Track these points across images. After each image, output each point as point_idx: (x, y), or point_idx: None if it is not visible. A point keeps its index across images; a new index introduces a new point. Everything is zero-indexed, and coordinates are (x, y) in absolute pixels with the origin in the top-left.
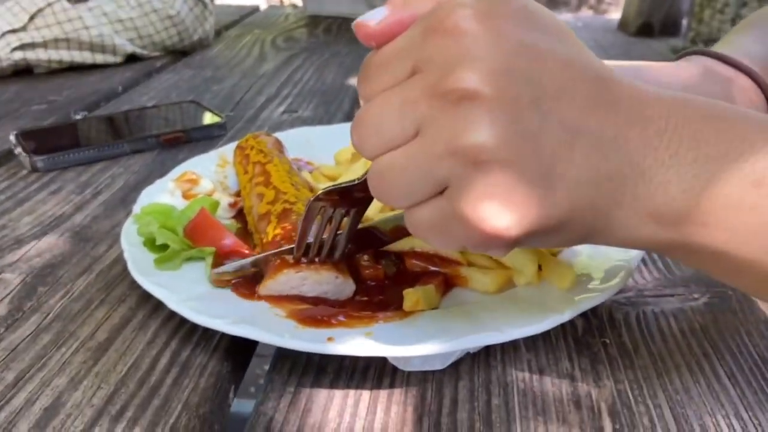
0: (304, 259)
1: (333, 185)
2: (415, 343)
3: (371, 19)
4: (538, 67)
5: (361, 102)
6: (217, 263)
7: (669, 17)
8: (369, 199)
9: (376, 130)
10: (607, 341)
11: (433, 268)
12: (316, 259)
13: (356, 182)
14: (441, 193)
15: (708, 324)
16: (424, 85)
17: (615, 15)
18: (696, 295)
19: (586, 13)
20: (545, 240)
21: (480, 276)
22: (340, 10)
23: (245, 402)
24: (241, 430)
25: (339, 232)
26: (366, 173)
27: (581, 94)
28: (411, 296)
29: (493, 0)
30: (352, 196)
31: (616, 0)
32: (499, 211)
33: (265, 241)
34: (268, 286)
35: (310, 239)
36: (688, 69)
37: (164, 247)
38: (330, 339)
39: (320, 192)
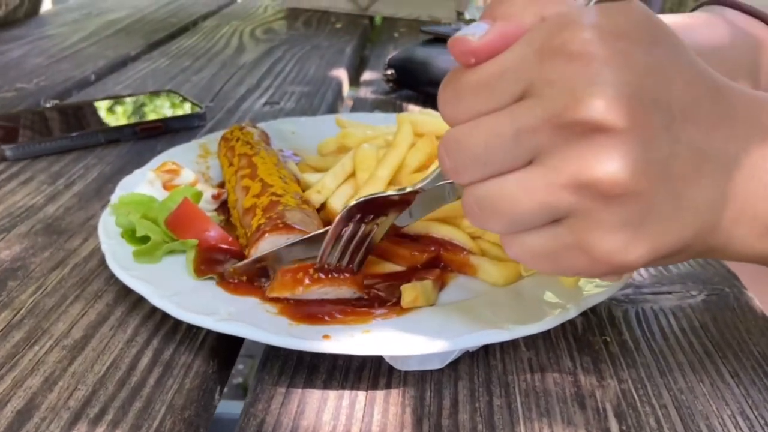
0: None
1: (373, 194)
2: (416, 341)
3: (472, 33)
4: (665, 88)
5: (447, 122)
6: (200, 256)
7: None
8: (402, 209)
9: (482, 158)
10: (608, 339)
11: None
12: (341, 265)
13: (405, 192)
14: (555, 221)
15: (707, 322)
16: (546, 113)
17: None
18: (693, 293)
19: None
20: (661, 263)
21: (489, 267)
22: (320, 4)
23: (233, 404)
24: None
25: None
26: (416, 186)
27: (705, 112)
28: (410, 292)
29: (616, 15)
30: (388, 206)
31: None
32: (630, 243)
33: (249, 233)
34: (279, 294)
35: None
36: (714, 26)
37: (144, 239)
38: (326, 336)
39: (359, 200)
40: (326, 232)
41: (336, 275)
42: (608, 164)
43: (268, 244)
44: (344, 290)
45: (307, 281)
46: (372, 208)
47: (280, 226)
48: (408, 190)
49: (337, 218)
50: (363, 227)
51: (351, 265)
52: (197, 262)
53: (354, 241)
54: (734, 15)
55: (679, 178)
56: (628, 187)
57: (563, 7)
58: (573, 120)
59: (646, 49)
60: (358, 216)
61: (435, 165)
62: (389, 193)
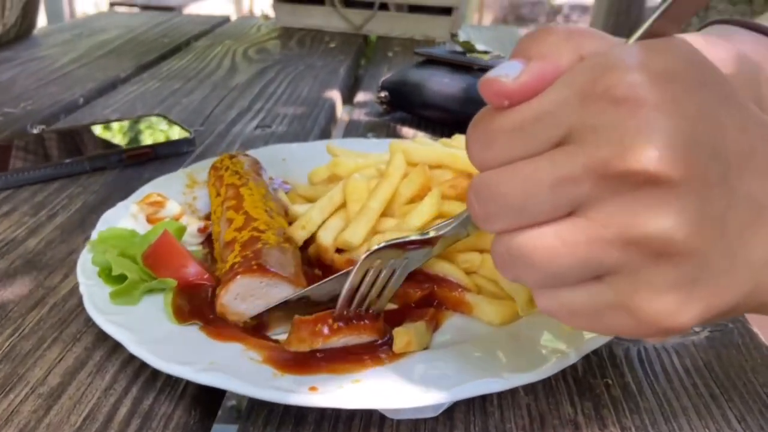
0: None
1: (395, 239)
2: (409, 392)
3: (506, 74)
4: (720, 136)
5: (476, 166)
6: (179, 295)
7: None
8: (423, 253)
9: (517, 206)
10: (610, 382)
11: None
12: (360, 311)
13: (427, 237)
14: (596, 277)
15: (711, 360)
16: (590, 161)
17: None
18: (697, 329)
19: None
20: (709, 322)
21: (486, 306)
22: (313, 23)
23: (227, 428)
24: None
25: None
26: (440, 232)
27: (760, 161)
28: (402, 337)
29: (663, 54)
30: (409, 251)
31: (584, 18)
32: (681, 305)
33: (225, 269)
34: (298, 348)
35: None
36: (726, 45)
37: (122, 278)
38: (313, 389)
39: (379, 246)
40: (325, 283)
41: (356, 322)
42: (662, 220)
43: (239, 287)
44: (365, 337)
45: (326, 332)
46: (392, 252)
47: (254, 267)
48: (431, 234)
49: (358, 264)
50: (383, 272)
51: (371, 311)
52: (175, 305)
53: (374, 287)
54: (742, 36)
55: (735, 234)
56: (682, 246)
57: (603, 44)
58: (622, 170)
59: (697, 93)
60: (378, 261)
61: (463, 209)
62: (411, 237)
